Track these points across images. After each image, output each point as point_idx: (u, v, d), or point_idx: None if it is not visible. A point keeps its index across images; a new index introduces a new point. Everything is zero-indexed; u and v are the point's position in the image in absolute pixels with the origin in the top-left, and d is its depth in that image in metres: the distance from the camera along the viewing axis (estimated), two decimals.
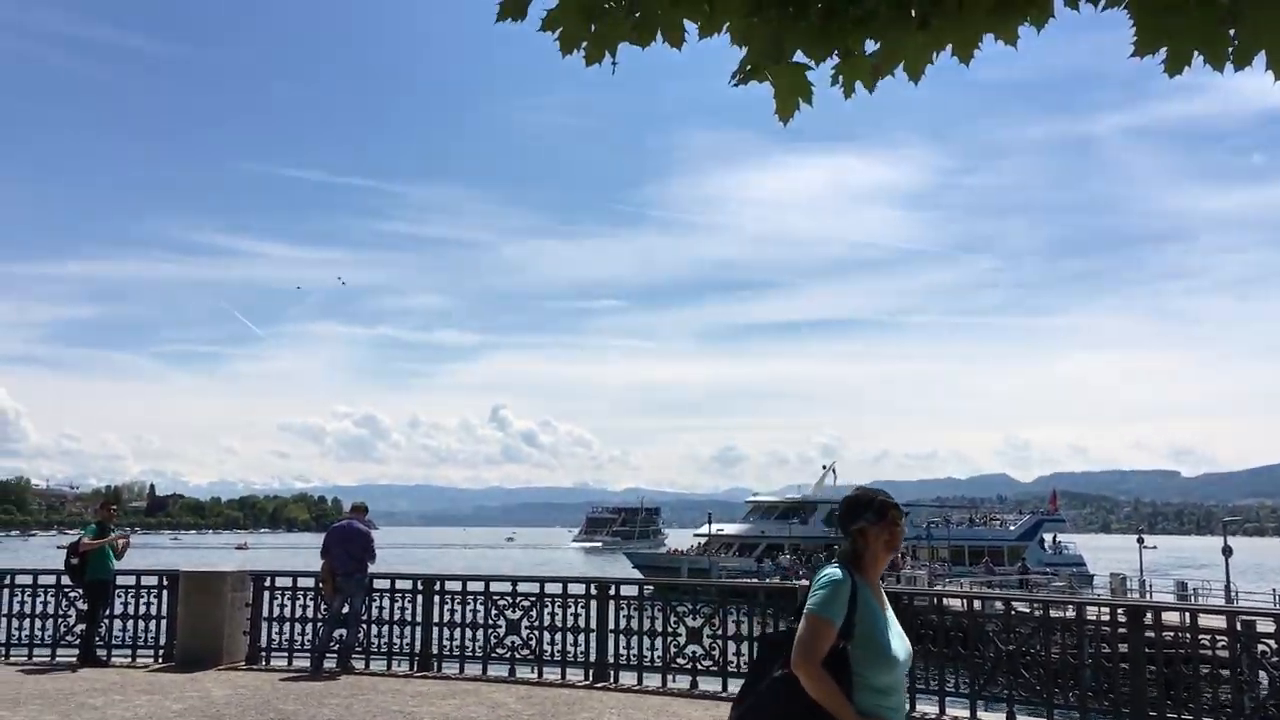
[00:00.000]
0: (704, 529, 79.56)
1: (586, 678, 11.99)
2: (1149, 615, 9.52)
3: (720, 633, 11.65)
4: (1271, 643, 8.80)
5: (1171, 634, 9.44)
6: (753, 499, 79.86)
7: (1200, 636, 9.16)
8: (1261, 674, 8.74)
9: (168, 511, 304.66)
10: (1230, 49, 2.21)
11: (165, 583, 13.84)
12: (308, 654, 13.24)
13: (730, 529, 74.23)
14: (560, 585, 12.61)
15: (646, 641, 11.93)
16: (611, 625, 12.11)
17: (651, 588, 14.16)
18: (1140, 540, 59.80)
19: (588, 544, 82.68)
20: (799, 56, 2.50)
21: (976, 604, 10.94)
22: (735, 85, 2.53)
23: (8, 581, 14.10)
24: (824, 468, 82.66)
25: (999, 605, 10.91)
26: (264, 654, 13.42)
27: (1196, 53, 2.24)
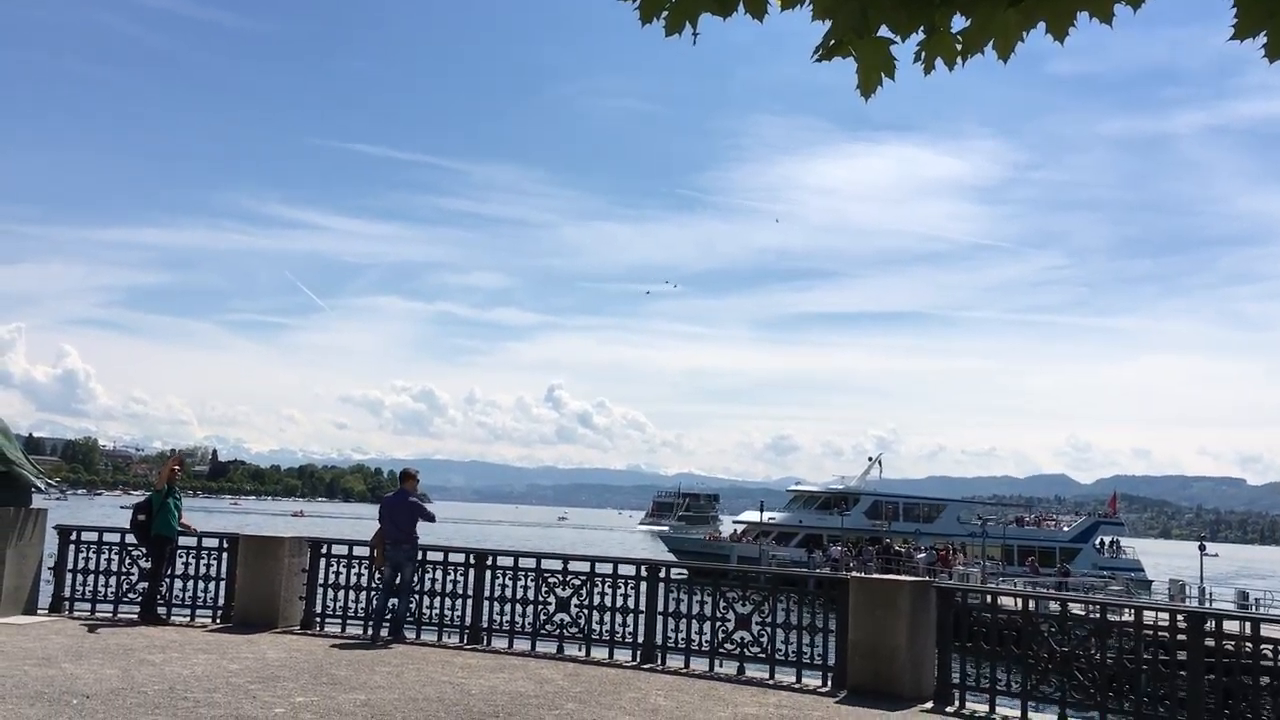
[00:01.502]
0: (744, 516, 79.24)
1: (634, 658, 12.03)
2: (1210, 623, 9.33)
3: (769, 620, 11.62)
4: None
5: (1232, 643, 9.24)
6: (795, 488, 79.34)
7: (1262, 647, 8.95)
8: None
9: (229, 477, 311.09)
10: None
11: (225, 545, 14.13)
12: (360, 621, 13.45)
13: (767, 517, 73.77)
14: (611, 565, 12.66)
15: (695, 626, 11.94)
16: (660, 608, 12.14)
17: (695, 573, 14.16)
18: (1201, 547, 58.48)
19: (655, 527, 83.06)
20: (884, 31, 2.45)
21: (1031, 604, 10.79)
22: (818, 60, 2.49)
23: (74, 538, 14.46)
24: (870, 460, 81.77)
25: (1054, 606, 10.75)
26: (318, 619, 13.64)
27: None
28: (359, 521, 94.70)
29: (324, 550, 13.92)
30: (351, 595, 13.65)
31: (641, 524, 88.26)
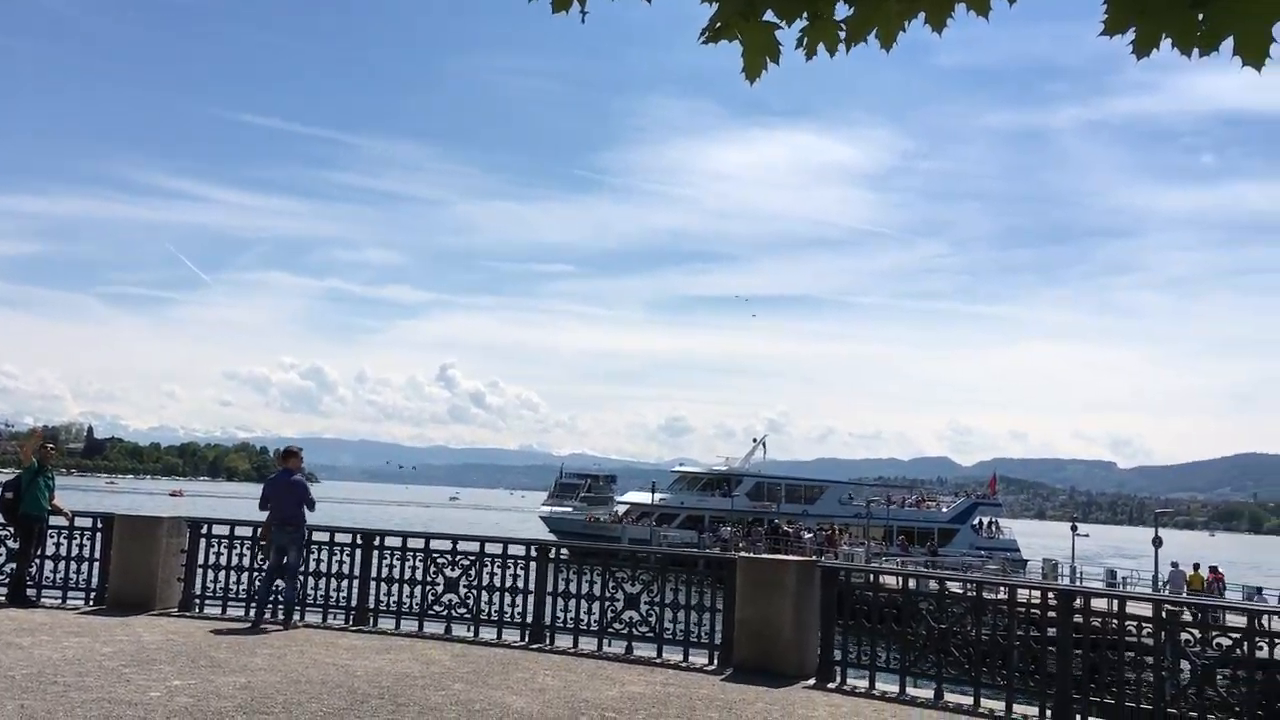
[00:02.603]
0: (627, 497, 79.56)
1: (523, 638, 12.02)
2: (1079, 600, 9.72)
3: (658, 600, 11.73)
4: (1195, 631, 9.03)
5: (1100, 620, 9.64)
6: (679, 469, 79.96)
7: (1127, 623, 9.36)
8: (1183, 662, 8.96)
9: (105, 455, 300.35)
10: (1199, 32, 2.22)
11: (99, 525, 13.65)
12: (242, 603, 13.15)
13: (648, 498, 74.16)
14: (500, 546, 12.62)
15: (584, 606, 11.99)
16: (550, 588, 12.15)
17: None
18: (1074, 528, 61.02)
19: (558, 508, 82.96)
20: (769, 16, 2.47)
21: (911, 583, 11.10)
22: (704, 42, 2.49)
23: None
24: (754, 441, 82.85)
25: (933, 584, 11.08)
26: (198, 601, 13.31)
27: (1165, 35, 2.25)
28: (241, 501, 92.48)
29: (204, 530, 13.57)
30: (233, 576, 13.34)
31: (544, 505, 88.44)
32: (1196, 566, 38.53)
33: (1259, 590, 39.07)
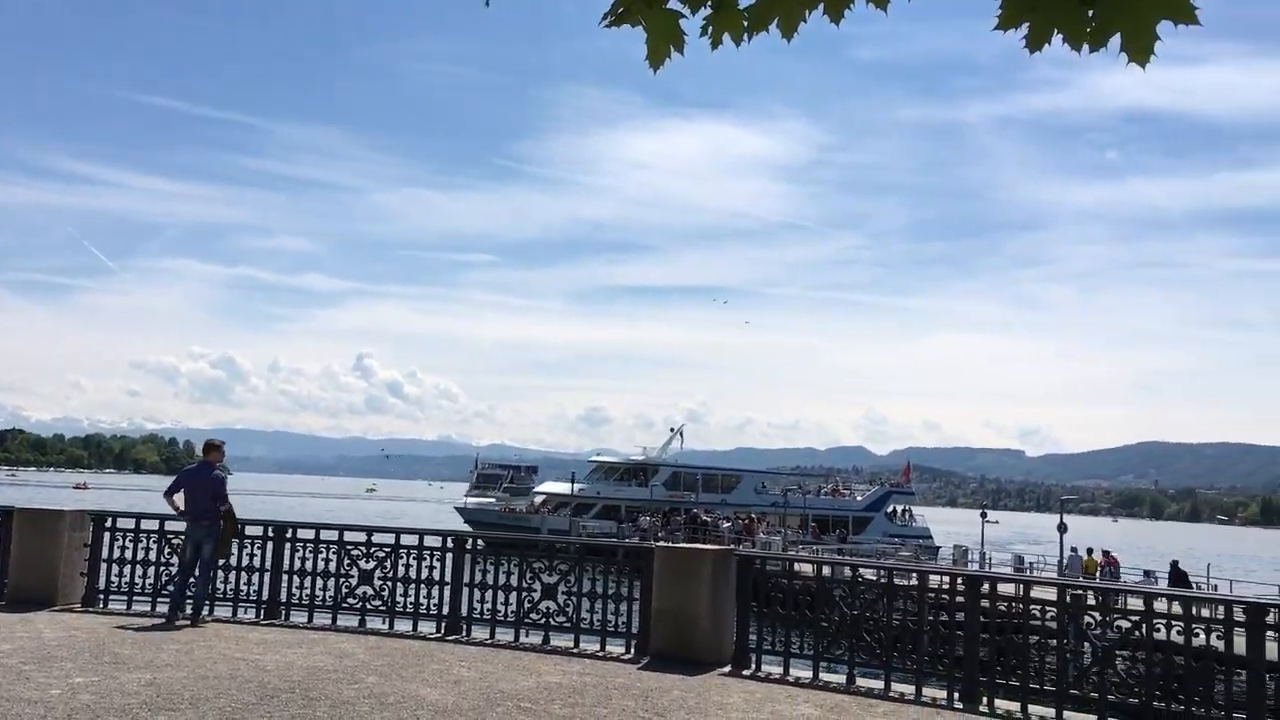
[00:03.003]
0: (543, 487, 79.34)
1: (439, 630, 11.93)
2: (986, 585, 9.95)
3: (575, 590, 11.73)
4: (1096, 615, 9.33)
5: (1006, 604, 9.89)
6: (596, 459, 80.00)
7: (1032, 607, 9.61)
8: (1085, 644, 9.25)
9: (5, 447, 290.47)
10: (1088, 29, 2.28)
11: None
12: (148, 598, 12.83)
13: (565, 488, 74.12)
14: (416, 537, 12.51)
15: (501, 596, 11.93)
16: (467, 579, 12.07)
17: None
18: (984, 515, 62.45)
19: (481, 499, 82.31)
20: (673, 3, 2.47)
21: (826, 570, 11.25)
22: (607, 26, 2.48)
23: None
24: (671, 431, 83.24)
25: (847, 572, 11.26)
26: (102, 596, 12.96)
27: (1056, 30, 2.31)
28: (149, 494, 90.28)
29: (109, 524, 13.21)
30: (139, 571, 13.01)
31: (467, 496, 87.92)
32: (1090, 551, 39.72)
33: (1147, 573, 40.60)
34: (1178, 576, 35.77)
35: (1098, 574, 36.38)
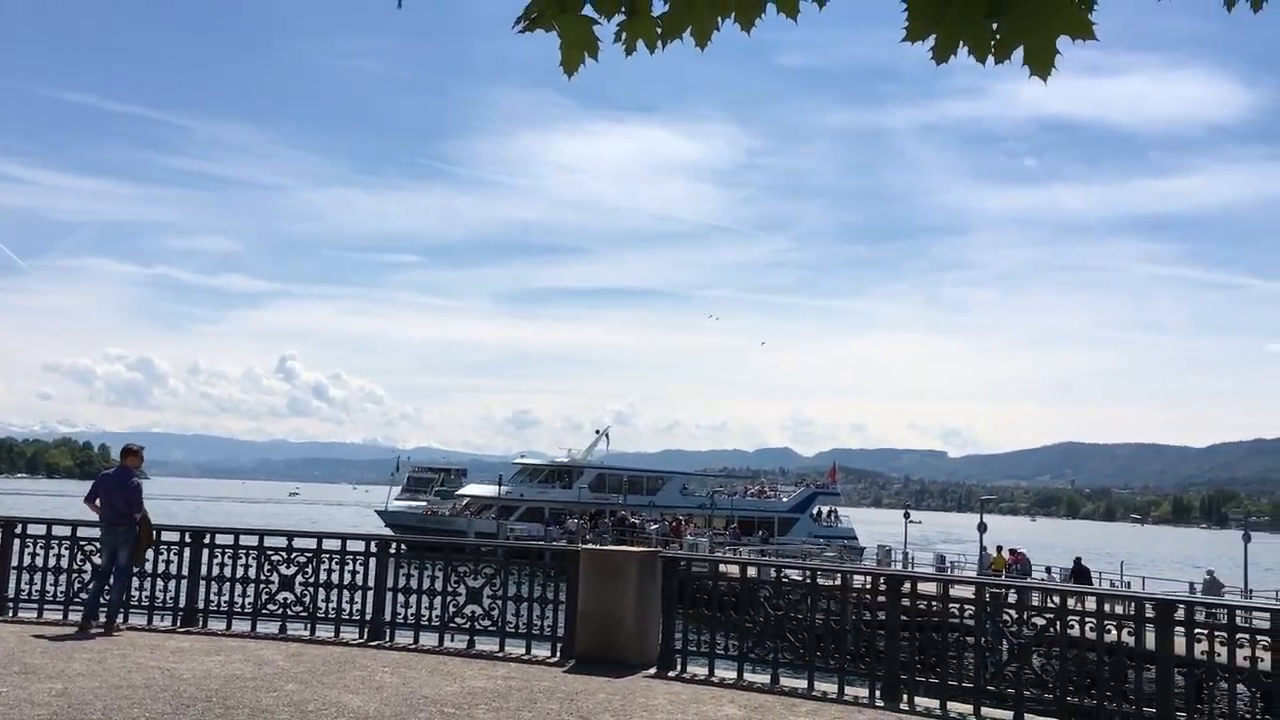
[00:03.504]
0: (466, 489, 78.72)
1: (361, 636, 11.78)
2: (907, 585, 10.12)
3: (501, 594, 11.66)
4: (1013, 613, 9.55)
5: (926, 603, 10.07)
6: (520, 461, 79.60)
7: (951, 605, 9.80)
8: (1003, 641, 9.45)
9: None
10: (992, 42, 2.35)
11: None
12: (60, 606, 12.48)
13: (490, 491, 73.66)
14: (339, 541, 12.35)
15: (425, 601, 11.82)
16: (390, 584, 11.94)
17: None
18: (907, 516, 63.46)
19: (412, 503, 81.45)
20: (587, 9, 2.47)
21: (751, 571, 11.35)
22: (521, 31, 2.48)
23: None
24: (597, 433, 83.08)
25: (772, 572, 11.37)
26: (11, 605, 12.57)
27: (962, 43, 2.38)
28: (63, 500, 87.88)
29: (18, 530, 12.82)
30: (51, 578, 12.65)
31: (396, 500, 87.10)
32: (999, 549, 40.57)
33: (1048, 570, 41.85)
34: (1079, 573, 36.81)
35: (1004, 571, 37.14)
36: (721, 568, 11.69)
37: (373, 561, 12.04)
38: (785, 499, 78.74)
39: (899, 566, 47.39)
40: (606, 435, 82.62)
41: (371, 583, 11.97)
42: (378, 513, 76.23)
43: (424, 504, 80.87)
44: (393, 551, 12.16)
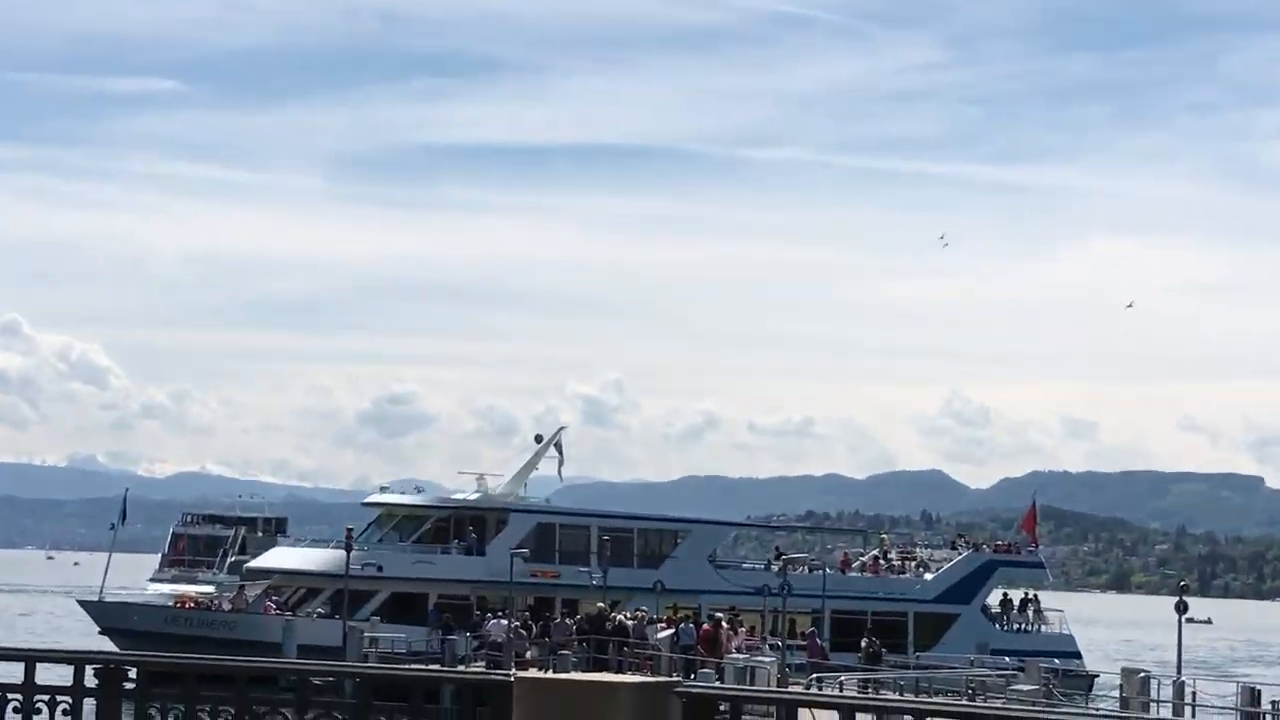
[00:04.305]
0: (270, 557, 79.29)
1: None
2: None
3: None
4: None
5: None
6: (377, 501, 79.43)
7: None
8: None
9: None
10: None
11: None
12: None
13: (321, 560, 73.84)
14: (21, 667, 12.40)
15: None
16: None
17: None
18: (1182, 607, 64.28)
19: (182, 586, 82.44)
20: None
21: None
22: None
23: None
24: (539, 441, 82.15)
25: None
26: None
27: None
28: None
29: None
30: None
31: (156, 580, 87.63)
32: None
33: None
34: None
35: None
36: (803, 715, 11.73)
37: (91, 707, 12.07)
38: (931, 574, 78.91)
39: (1169, 714, 47.69)
40: (559, 448, 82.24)
41: None
42: (84, 605, 76.26)
43: (207, 588, 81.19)
44: (129, 686, 12.18)
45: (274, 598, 71.78)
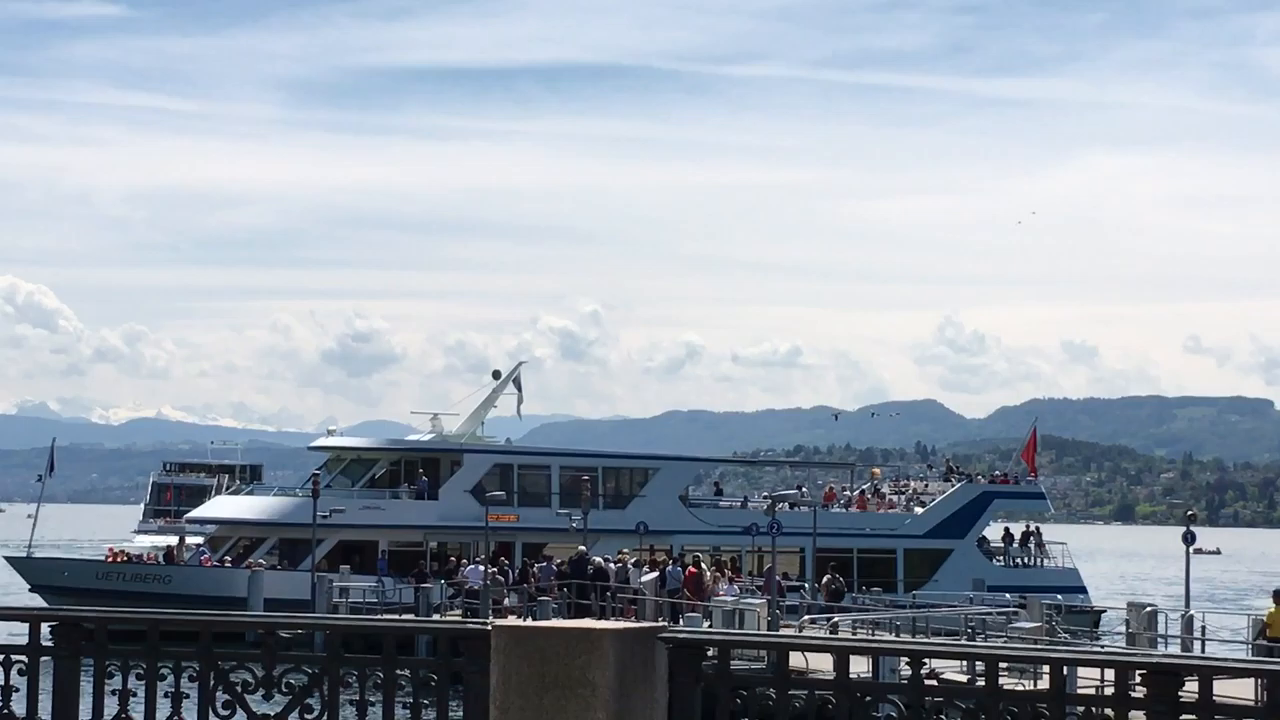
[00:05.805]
0: (213, 507, 78.97)
1: None
2: (1192, 682, 10.22)
3: None
4: None
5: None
6: (325, 444, 78.48)
7: None
8: None
9: None
10: None
11: None
12: None
13: (266, 506, 73.46)
14: None
15: None
16: (89, 715, 11.94)
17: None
18: (1189, 538, 64.39)
19: (160, 537, 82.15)
20: None
21: (859, 664, 11.37)
22: None
23: None
24: (497, 377, 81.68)
25: (903, 665, 11.42)
26: None
27: None
28: None
29: None
30: None
31: (135, 531, 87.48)
32: None
33: None
34: None
35: None
36: (794, 658, 11.71)
37: (44, 667, 12.01)
38: (922, 507, 78.66)
39: (1177, 649, 47.78)
40: (518, 384, 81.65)
41: (47, 713, 11.97)
42: (11, 561, 75.37)
43: (198, 539, 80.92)
44: (84, 642, 12.11)
45: (206, 550, 71.52)
